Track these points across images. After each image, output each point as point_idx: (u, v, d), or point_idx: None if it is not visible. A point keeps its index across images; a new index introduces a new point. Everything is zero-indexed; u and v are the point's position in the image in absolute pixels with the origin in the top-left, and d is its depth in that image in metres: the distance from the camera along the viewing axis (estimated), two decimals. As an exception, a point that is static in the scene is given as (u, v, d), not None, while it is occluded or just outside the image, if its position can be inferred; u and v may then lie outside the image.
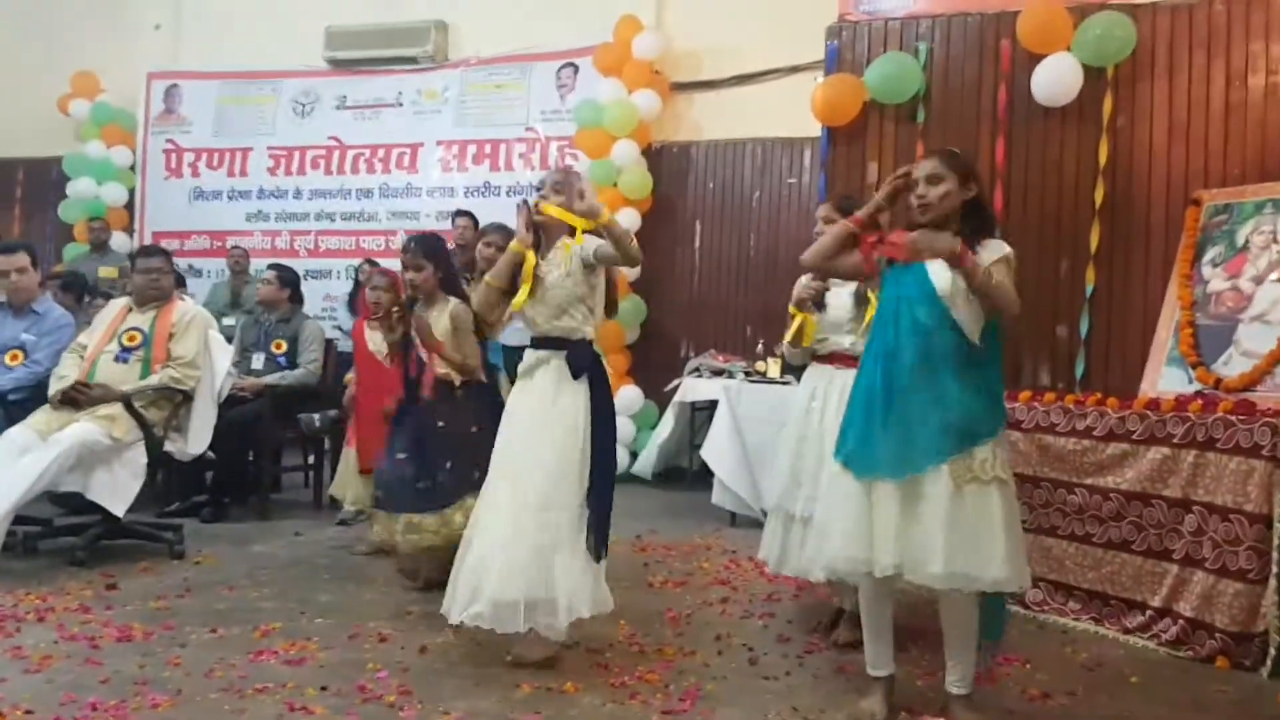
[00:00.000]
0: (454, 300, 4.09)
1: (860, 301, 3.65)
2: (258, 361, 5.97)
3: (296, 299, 6.26)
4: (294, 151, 9.08)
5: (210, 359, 4.98)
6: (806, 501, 3.59)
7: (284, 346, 6.01)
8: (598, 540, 3.31)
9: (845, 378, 3.40)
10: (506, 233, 4.20)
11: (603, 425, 3.39)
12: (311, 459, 6.34)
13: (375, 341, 5.01)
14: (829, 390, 3.70)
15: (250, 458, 5.91)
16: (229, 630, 3.61)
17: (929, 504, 2.74)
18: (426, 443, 4.02)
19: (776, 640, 3.70)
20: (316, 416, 5.91)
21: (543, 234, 3.48)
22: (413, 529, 4.02)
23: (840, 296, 3.71)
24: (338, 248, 8.86)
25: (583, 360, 3.39)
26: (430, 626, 3.70)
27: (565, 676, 3.21)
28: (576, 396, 3.36)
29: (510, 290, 3.47)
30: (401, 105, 8.80)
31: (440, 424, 4.01)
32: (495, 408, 3.72)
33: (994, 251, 2.85)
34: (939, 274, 2.83)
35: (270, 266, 6.36)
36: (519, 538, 3.23)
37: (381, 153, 8.81)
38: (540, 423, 3.35)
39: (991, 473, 2.76)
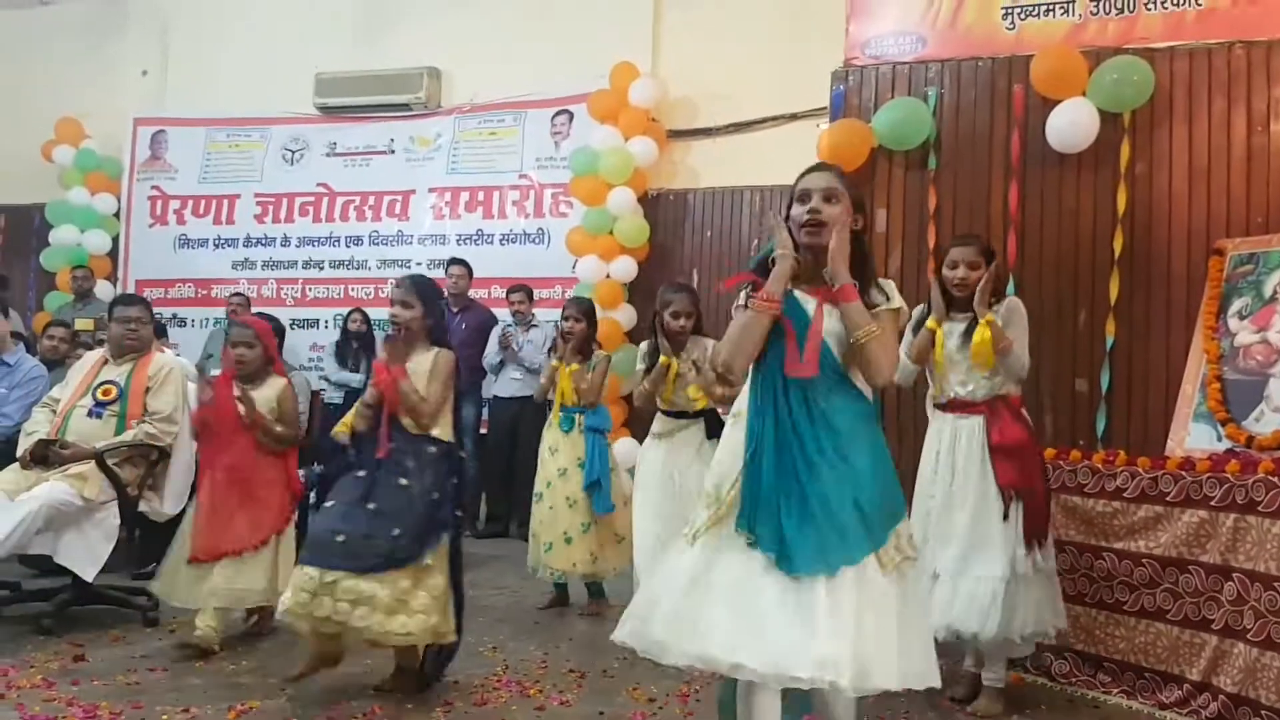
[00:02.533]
0: (440, 349, 3.66)
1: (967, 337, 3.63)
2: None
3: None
4: (282, 198, 8.92)
5: (189, 413, 4.75)
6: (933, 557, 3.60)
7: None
8: None
9: (971, 426, 3.62)
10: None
11: None
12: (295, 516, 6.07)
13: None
14: (955, 443, 3.65)
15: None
16: (202, 710, 3.36)
17: (858, 600, 2.27)
18: (383, 499, 3.47)
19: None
20: (301, 471, 5.64)
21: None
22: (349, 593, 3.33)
23: (952, 336, 3.66)
24: (325, 296, 8.66)
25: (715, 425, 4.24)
26: (419, 703, 3.45)
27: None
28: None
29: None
30: (393, 152, 8.66)
31: (402, 481, 3.50)
32: (460, 475, 3.59)
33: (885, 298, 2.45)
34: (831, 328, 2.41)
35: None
36: None
37: (372, 200, 8.66)
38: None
39: (908, 551, 2.41)
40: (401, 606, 3.35)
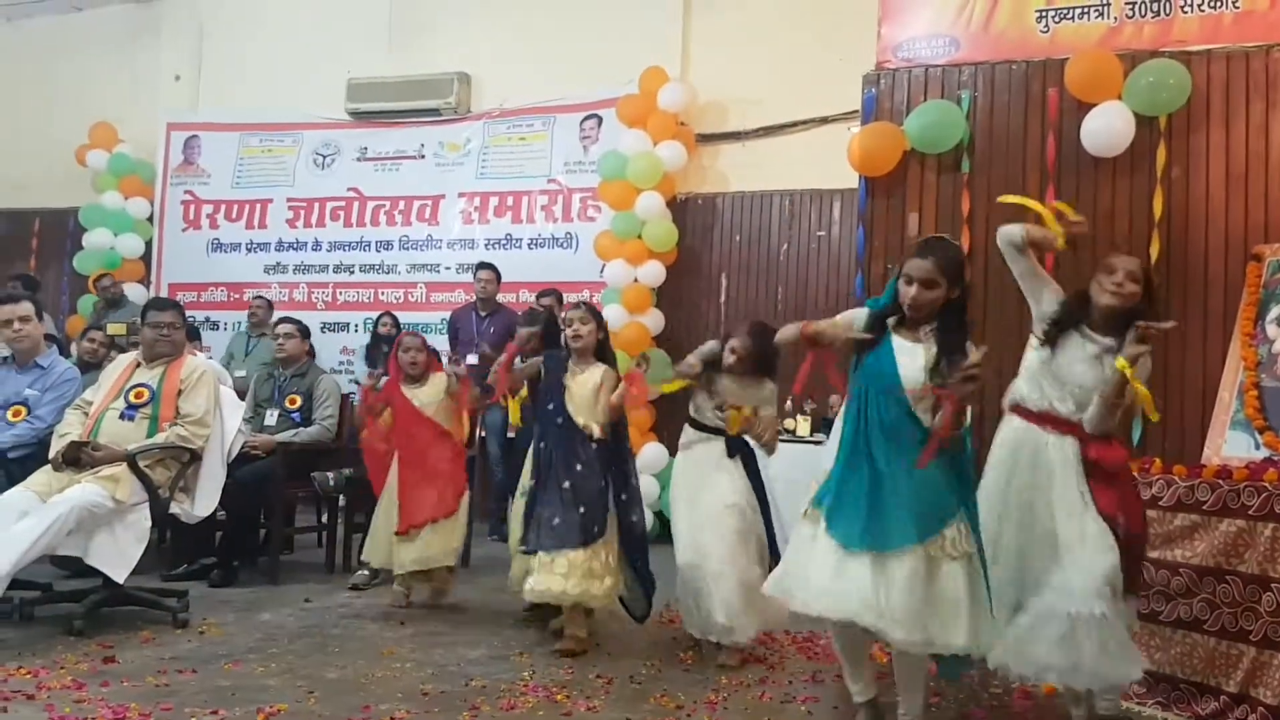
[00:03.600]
0: (606, 366, 4.46)
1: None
2: (271, 418, 5.77)
3: (311, 352, 6.10)
4: (313, 203, 8.98)
5: (220, 416, 4.78)
6: (1011, 586, 3.24)
7: (298, 402, 5.82)
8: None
9: (1062, 444, 3.25)
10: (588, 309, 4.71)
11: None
12: (325, 518, 6.10)
13: (420, 398, 5.08)
14: (1038, 458, 3.26)
15: (261, 518, 5.69)
16: (231, 712, 3.35)
17: (898, 574, 2.96)
18: (575, 480, 4.29)
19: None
20: (331, 475, 5.69)
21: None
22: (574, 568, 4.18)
23: (1080, 350, 3.24)
24: (356, 300, 8.71)
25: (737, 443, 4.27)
26: (446, 708, 3.44)
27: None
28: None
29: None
30: (423, 157, 8.70)
31: (579, 468, 4.30)
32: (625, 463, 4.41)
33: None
34: (912, 369, 3.10)
35: (284, 320, 6.17)
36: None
37: (402, 204, 8.70)
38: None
39: (960, 549, 3.04)
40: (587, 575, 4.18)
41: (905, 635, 2.93)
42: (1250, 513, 3.47)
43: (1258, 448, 3.99)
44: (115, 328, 6.71)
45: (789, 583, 3.20)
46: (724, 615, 4.06)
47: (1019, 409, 3.31)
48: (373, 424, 5.15)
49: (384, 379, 5.23)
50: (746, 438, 4.28)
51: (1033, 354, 3.34)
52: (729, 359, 4.22)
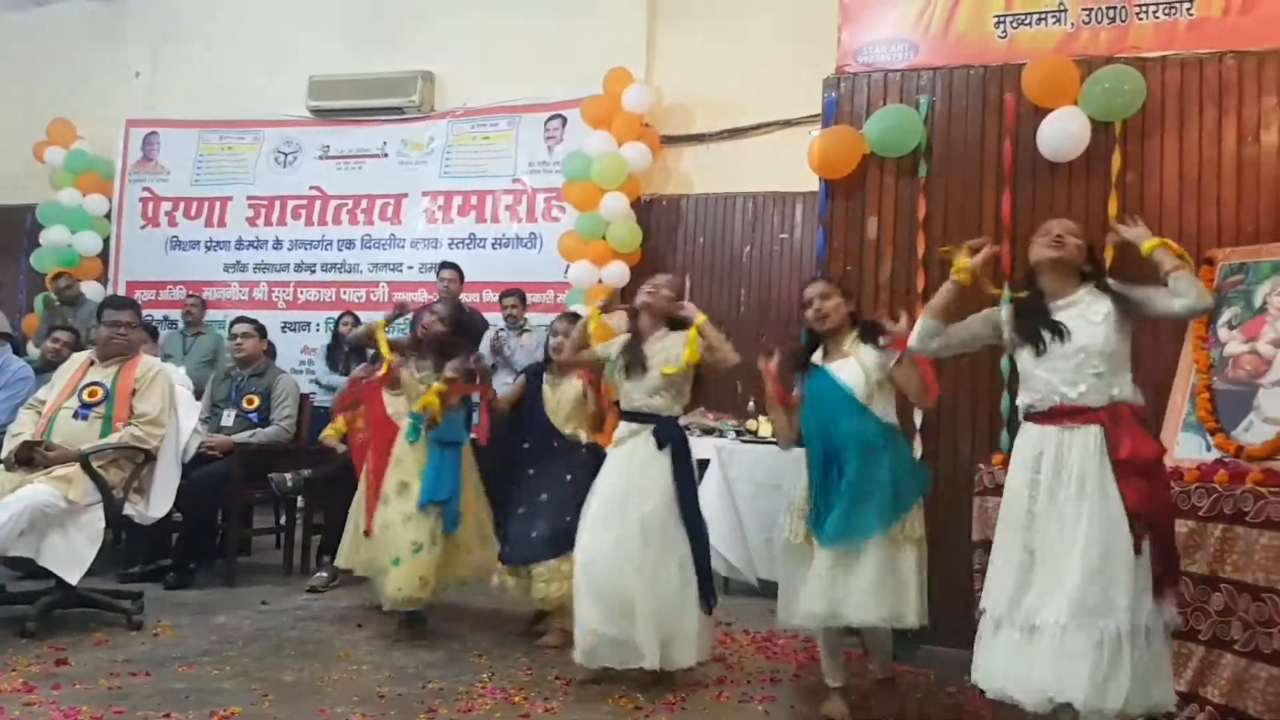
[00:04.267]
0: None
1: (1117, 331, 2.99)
2: (228, 418, 5.71)
3: (269, 352, 6.05)
4: (274, 201, 8.91)
5: (176, 416, 4.74)
6: (1020, 608, 2.91)
7: (256, 402, 5.76)
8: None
9: (1085, 438, 2.91)
10: (572, 319, 4.63)
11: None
12: (283, 520, 6.06)
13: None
14: (1063, 460, 2.95)
15: (218, 520, 5.64)
16: (184, 715, 3.33)
17: (864, 564, 3.39)
18: (561, 491, 4.37)
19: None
20: (289, 476, 5.64)
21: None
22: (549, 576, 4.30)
23: (1086, 331, 2.98)
24: (317, 299, 8.65)
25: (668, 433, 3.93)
26: (402, 711, 3.42)
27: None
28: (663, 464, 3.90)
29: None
30: (386, 155, 8.66)
31: (568, 477, 4.38)
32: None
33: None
34: (852, 379, 3.53)
35: (241, 320, 6.11)
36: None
37: (364, 203, 8.65)
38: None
39: (915, 533, 3.48)
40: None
41: (875, 616, 3.41)
42: (1200, 514, 3.52)
43: (1209, 449, 4.04)
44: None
45: (796, 606, 3.58)
46: (641, 637, 3.70)
47: (1030, 415, 3.05)
48: (341, 419, 5.13)
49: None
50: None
51: (1018, 359, 3.11)
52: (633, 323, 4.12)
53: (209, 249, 9.03)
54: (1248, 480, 3.43)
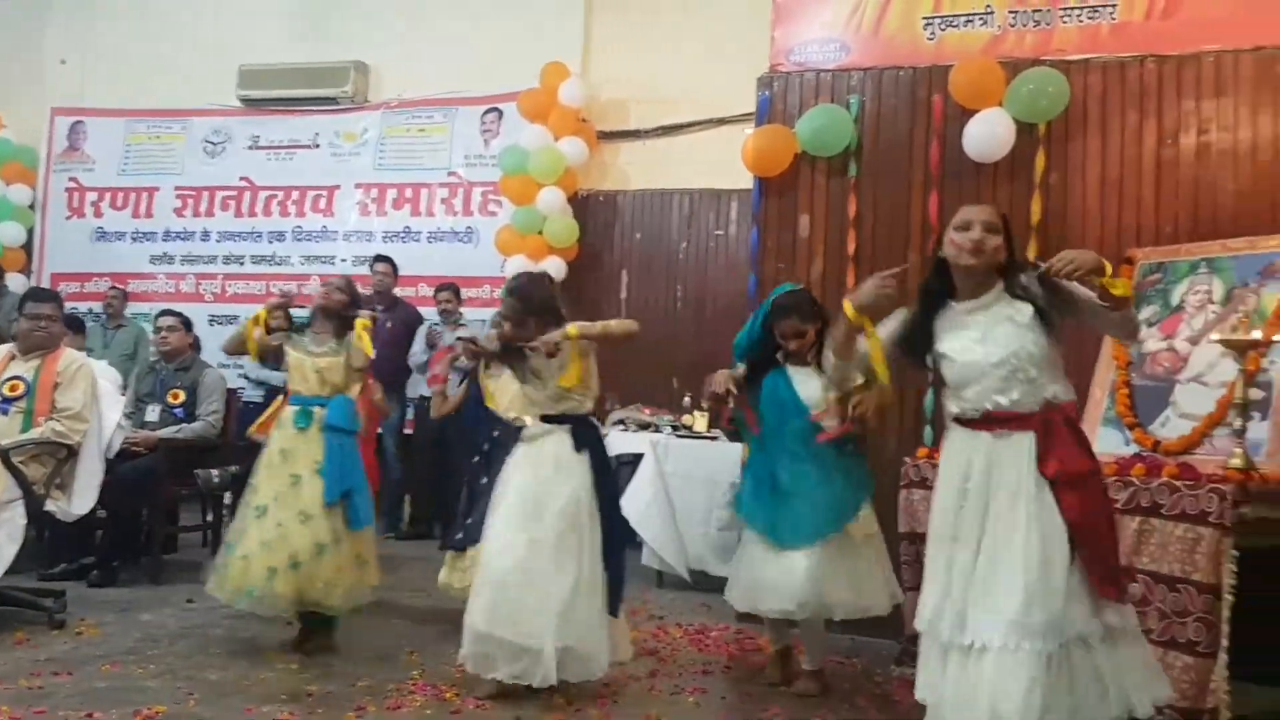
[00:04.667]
0: None
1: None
2: (152, 413, 5.60)
3: (195, 346, 5.94)
4: (203, 192, 8.76)
5: (99, 411, 4.64)
6: (954, 624, 2.71)
7: (181, 397, 5.65)
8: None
9: (1016, 448, 2.72)
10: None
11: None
12: (210, 517, 5.96)
13: None
14: (993, 470, 2.75)
15: (143, 516, 5.53)
16: (106, 714, 3.27)
17: (825, 560, 3.69)
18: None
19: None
20: (216, 472, 5.56)
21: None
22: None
23: (1016, 336, 2.75)
24: (246, 292, 8.51)
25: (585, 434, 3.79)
26: (330, 709, 3.40)
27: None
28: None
29: None
30: (318, 146, 8.55)
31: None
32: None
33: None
34: (813, 397, 3.79)
35: (166, 313, 5.99)
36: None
37: (295, 195, 8.53)
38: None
39: (869, 529, 3.82)
40: None
41: (843, 612, 3.80)
42: (1118, 506, 3.62)
43: (1127, 444, 4.16)
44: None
45: (741, 592, 3.91)
46: (542, 644, 3.46)
47: (960, 420, 2.85)
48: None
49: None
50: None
51: (949, 364, 2.85)
52: (509, 331, 3.82)
53: (135, 240, 8.85)
54: (1164, 474, 3.54)
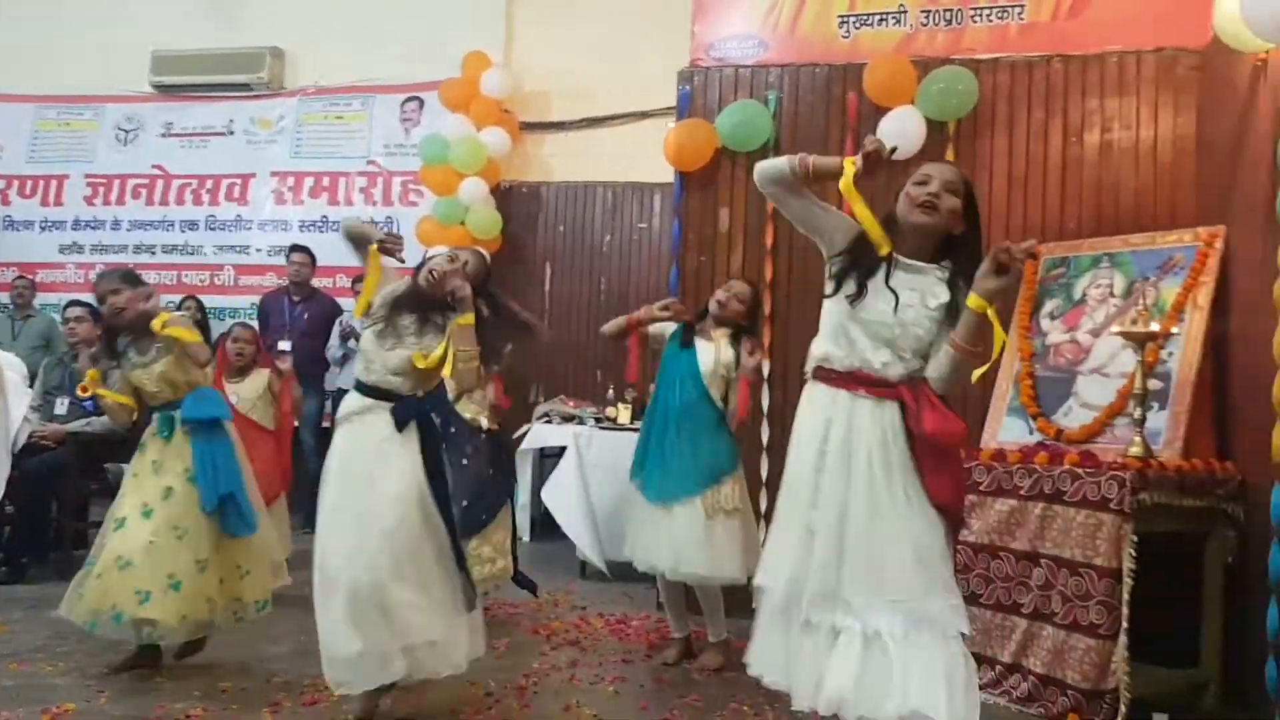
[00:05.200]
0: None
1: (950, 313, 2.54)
2: (61, 406, 5.47)
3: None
4: (114, 180, 8.55)
5: (5, 403, 4.52)
6: (822, 602, 2.50)
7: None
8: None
9: (881, 414, 2.52)
10: None
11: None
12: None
13: (240, 393, 4.98)
14: (852, 434, 2.54)
15: (52, 511, 5.40)
16: (13, 714, 3.20)
17: (683, 521, 3.91)
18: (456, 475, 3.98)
19: (629, 708, 3.51)
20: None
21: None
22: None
23: (916, 312, 2.55)
24: (158, 282, 8.25)
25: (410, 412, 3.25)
26: (245, 705, 3.36)
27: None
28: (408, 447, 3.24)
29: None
30: (233, 134, 8.40)
31: (464, 461, 4.37)
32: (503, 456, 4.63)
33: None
34: (706, 364, 4.05)
35: (74, 303, 5.84)
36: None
37: (210, 183, 8.38)
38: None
39: (732, 504, 3.96)
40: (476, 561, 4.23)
41: (704, 570, 3.93)
42: (1021, 493, 3.75)
43: (1031, 433, 4.29)
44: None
45: (629, 548, 4.16)
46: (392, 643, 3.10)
47: (822, 371, 2.63)
48: None
49: None
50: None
51: (832, 304, 2.64)
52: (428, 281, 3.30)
53: (44, 229, 8.61)
54: (1066, 461, 3.66)
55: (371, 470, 3.16)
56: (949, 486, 2.53)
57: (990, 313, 2.43)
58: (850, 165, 2.54)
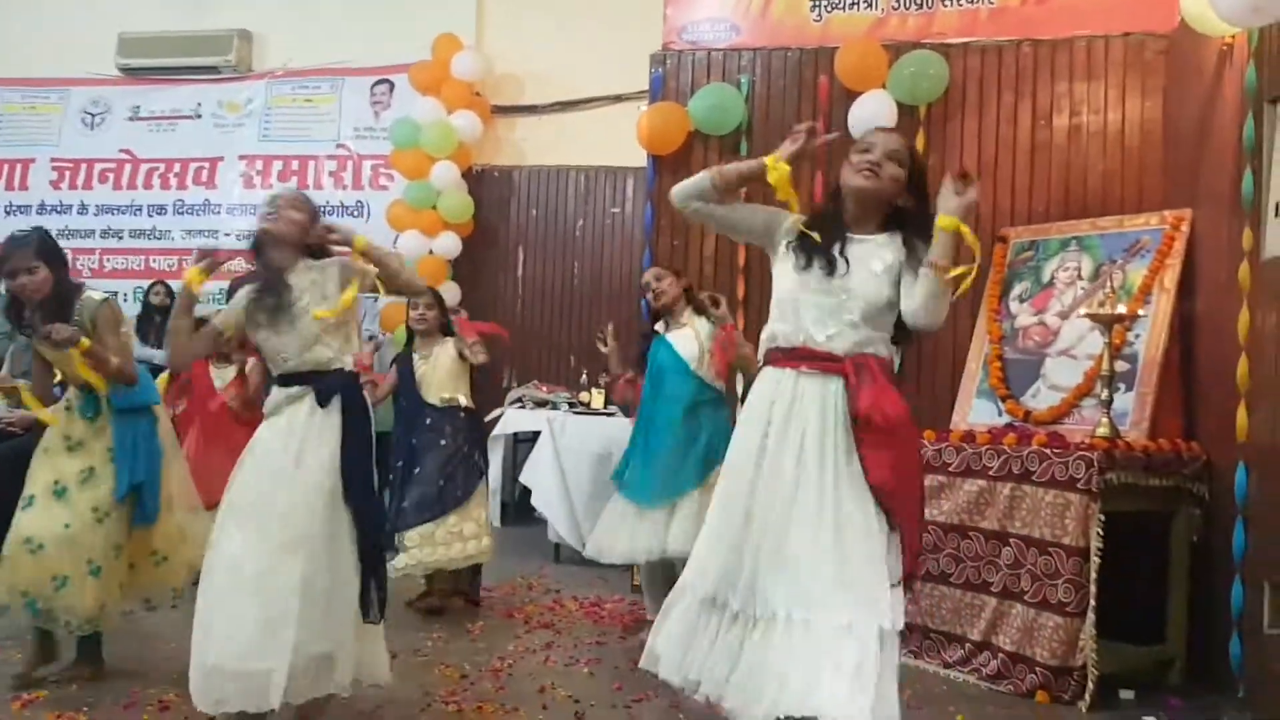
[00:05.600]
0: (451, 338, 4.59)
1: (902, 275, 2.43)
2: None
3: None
4: (80, 164, 8.47)
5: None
6: (746, 591, 2.37)
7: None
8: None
9: (824, 390, 2.42)
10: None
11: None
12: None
13: (224, 377, 4.88)
14: (795, 410, 2.44)
15: (20, 500, 5.33)
16: (-15, 703, 3.17)
17: (686, 513, 3.89)
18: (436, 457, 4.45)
19: (604, 689, 3.53)
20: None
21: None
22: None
23: (860, 276, 2.44)
24: (125, 267, 8.26)
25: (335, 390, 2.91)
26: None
27: (372, 743, 2.94)
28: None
29: None
30: (200, 117, 8.32)
31: (442, 441, 4.46)
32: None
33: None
34: (687, 349, 4.06)
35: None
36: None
37: (177, 167, 8.30)
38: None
39: None
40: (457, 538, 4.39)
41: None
42: (991, 473, 3.79)
43: (1000, 414, 4.34)
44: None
45: (593, 542, 4.24)
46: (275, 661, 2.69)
47: (770, 354, 2.55)
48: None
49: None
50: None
51: (779, 278, 2.57)
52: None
53: (9, 214, 8.48)
54: (1034, 442, 3.71)
55: (289, 464, 2.82)
56: (887, 465, 2.38)
57: (963, 228, 2.35)
58: (772, 160, 2.52)
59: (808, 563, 2.31)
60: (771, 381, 2.49)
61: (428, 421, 4.52)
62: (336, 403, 2.86)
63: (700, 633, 2.42)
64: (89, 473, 3.41)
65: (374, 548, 2.92)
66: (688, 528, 3.82)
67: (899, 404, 2.42)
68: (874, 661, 2.24)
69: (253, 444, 2.91)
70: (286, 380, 2.91)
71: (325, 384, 2.86)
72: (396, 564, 4.26)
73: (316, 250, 2.97)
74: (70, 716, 3.06)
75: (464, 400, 4.58)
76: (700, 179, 2.58)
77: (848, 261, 2.43)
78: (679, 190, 2.62)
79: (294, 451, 2.82)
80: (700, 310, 4.12)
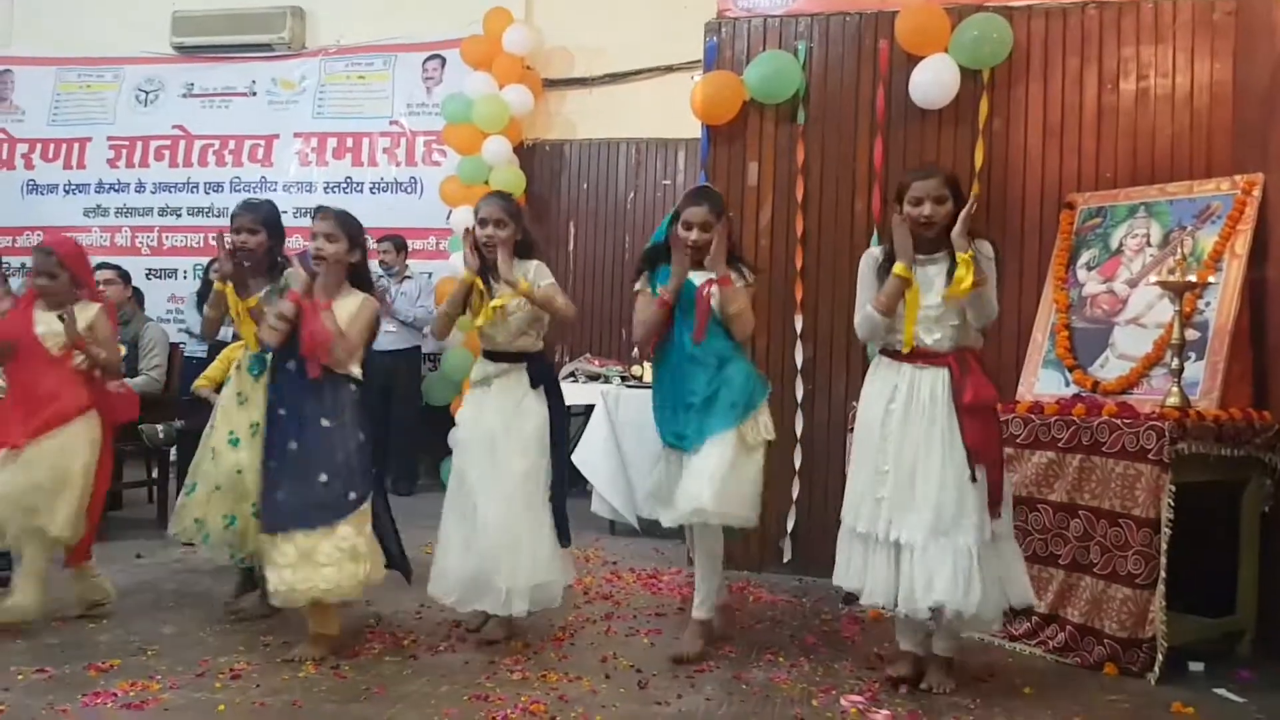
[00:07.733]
0: (366, 295, 3.65)
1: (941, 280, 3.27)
2: (96, 369, 5.48)
3: (137, 299, 5.82)
4: (136, 142, 8.55)
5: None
6: (879, 523, 3.25)
7: (123, 352, 5.54)
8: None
9: (933, 378, 3.25)
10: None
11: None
12: (155, 473, 5.88)
13: (47, 323, 3.87)
14: (914, 396, 3.26)
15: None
16: (60, 670, 3.24)
17: (711, 457, 3.55)
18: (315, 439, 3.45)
19: (665, 660, 3.53)
20: (160, 428, 5.49)
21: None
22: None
23: (923, 280, 3.27)
24: (183, 244, 8.36)
25: (540, 372, 3.74)
26: (287, 660, 3.39)
27: (444, 710, 2.96)
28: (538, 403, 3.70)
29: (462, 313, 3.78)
30: (254, 95, 8.38)
31: (325, 422, 3.45)
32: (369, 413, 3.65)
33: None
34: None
35: (103, 266, 5.85)
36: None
37: (232, 144, 8.37)
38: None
39: (768, 435, 3.67)
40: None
41: (715, 508, 3.51)
42: (1059, 445, 3.73)
43: (1068, 385, 4.26)
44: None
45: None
46: (507, 581, 3.53)
47: (887, 351, 3.36)
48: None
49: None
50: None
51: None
52: (484, 232, 3.68)
53: (68, 192, 8.63)
54: (1103, 413, 3.64)
55: (512, 432, 3.63)
56: (980, 431, 3.20)
57: (965, 256, 3.12)
58: (903, 270, 3.22)
59: (932, 506, 3.15)
60: (891, 371, 3.31)
61: (299, 388, 3.49)
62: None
63: (858, 556, 3.30)
64: (255, 427, 3.71)
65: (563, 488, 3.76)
66: (704, 473, 3.53)
67: (990, 388, 3.26)
68: (978, 567, 3.11)
69: (470, 411, 3.75)
70: (495, 356, 3.71)
71: (538, 370, 3.72)
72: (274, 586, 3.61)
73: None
74: (143, 685, 3.10)
75: (355, 370, 3.55)
76: (873, 320, 3.30)
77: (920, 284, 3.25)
78: (863, 334, 3.41)
79: (513, 416, 3.65)
80: (735, 267, 3.72)
